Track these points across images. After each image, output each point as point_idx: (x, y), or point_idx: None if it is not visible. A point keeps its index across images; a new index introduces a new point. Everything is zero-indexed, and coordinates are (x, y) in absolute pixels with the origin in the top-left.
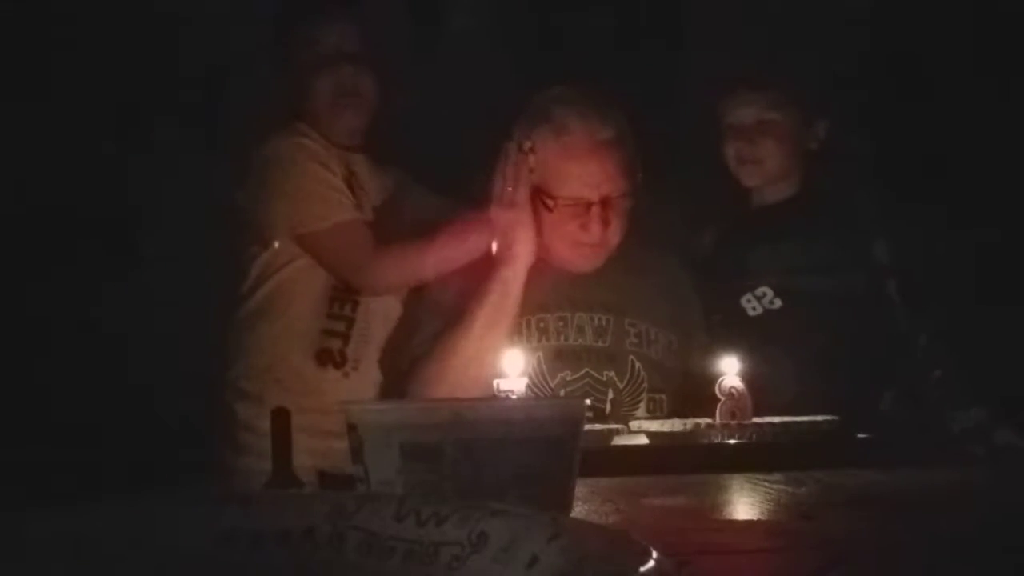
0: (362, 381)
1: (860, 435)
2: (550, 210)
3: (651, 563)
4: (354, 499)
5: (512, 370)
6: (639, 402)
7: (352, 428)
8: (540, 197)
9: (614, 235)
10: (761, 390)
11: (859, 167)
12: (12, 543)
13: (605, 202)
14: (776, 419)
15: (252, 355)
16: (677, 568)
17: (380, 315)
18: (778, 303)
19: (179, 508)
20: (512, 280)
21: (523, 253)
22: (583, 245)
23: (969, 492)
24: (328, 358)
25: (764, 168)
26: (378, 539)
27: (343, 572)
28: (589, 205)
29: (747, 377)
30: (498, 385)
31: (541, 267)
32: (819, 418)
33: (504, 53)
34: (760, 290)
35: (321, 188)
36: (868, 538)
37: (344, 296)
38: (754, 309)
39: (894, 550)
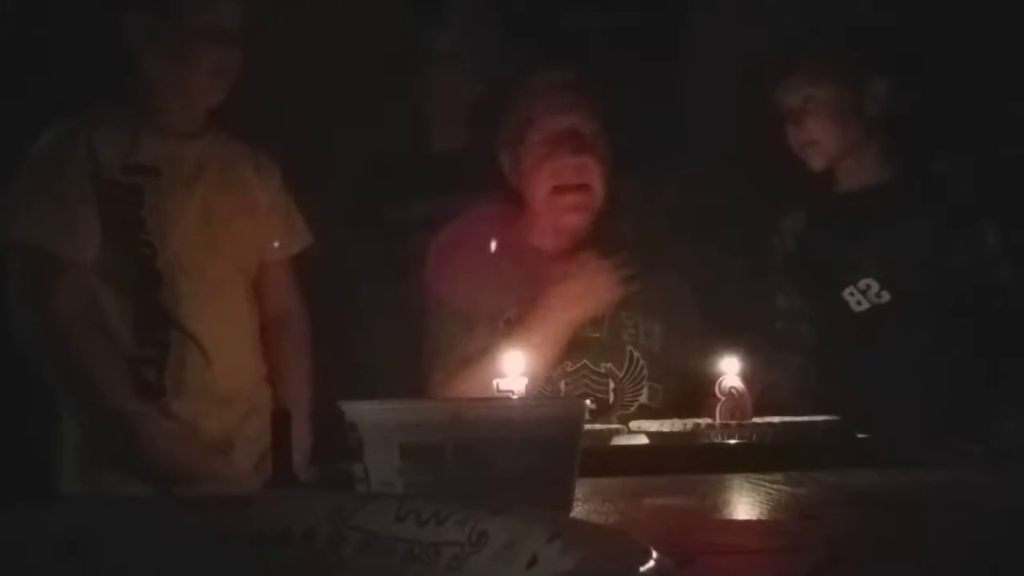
0: (196, 411)
1: (860, 435)
2: (523, 143)
3: (651, 563)
4: (354, 499)
5: (512, 370)
6: (641, 391)
7: (352, 428)
8: (517, 143)
9: (594, 179)
10: (868, 392)
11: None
12: (12, 543)
13: (575, 136)
14: (776, 419)
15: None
16: (677, 568)
17: (207, 336)
18: (886, 296)
19: (179, 508)
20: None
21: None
22: (563, 190)
23: (969, 492)
24: (145, 390)
25: (823, 147)
26: (378, 539)
27: (343, 572)
28: (560, 135)
29: (746, 378)
30: (498, 385)
31: (537, 259)
32: (819, 418)
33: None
34: (864, 282)
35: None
36: (868, 538)
37: (149, 318)
38: (859, 304)
39: (894, 549)
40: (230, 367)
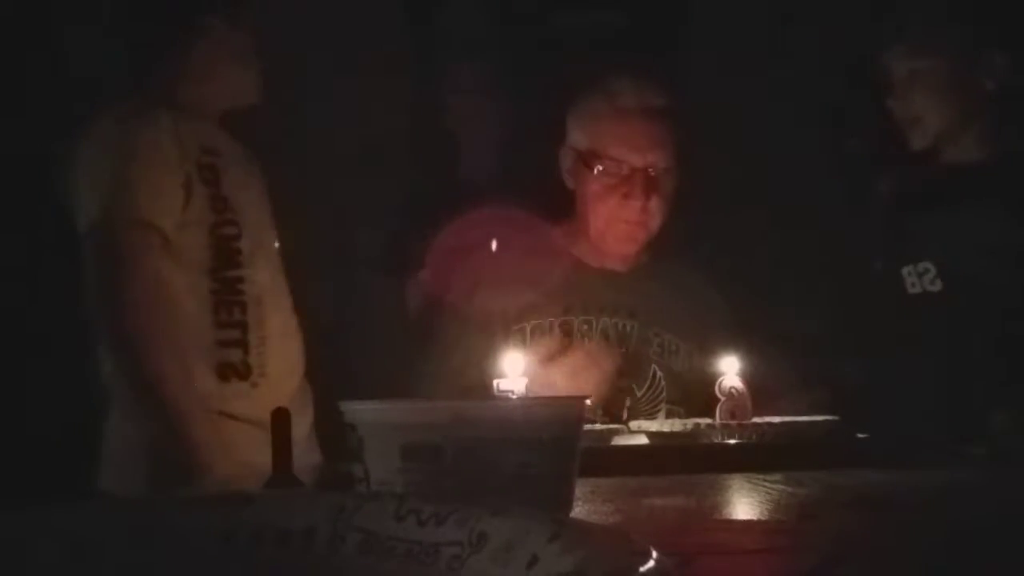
0: (273, 391)
1: (860, 435)
2: (590, 168)
3: (651, 563)
4: (354, 499)
5: (512, 370)
6: (657, 411)
7: (352, 428)
8: (584, 162)
9: (654, 217)
10: (892, 387)
11: None
12: (12, 543)
13: (649, 171)
14: (776, 419)
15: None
16: (677, 568)
17: (276, 316)
18: (938, 285)
19: (179, 508)
20: None
21: None
22: (623, 222)
23: (968, 492)
24: (231, 371)
25: (927, 126)
26: (378, 539)
27: (343, 572)
28: (633, 173)
29: (745, 376)
30: (498, 385)
31: (570, 267)
32: (819, 418)
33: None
34: (923, 265)
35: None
36: (868, 538)
37: (230, 299)
38: (912, 286)
39: (893, 550)
40: (295, 350)
